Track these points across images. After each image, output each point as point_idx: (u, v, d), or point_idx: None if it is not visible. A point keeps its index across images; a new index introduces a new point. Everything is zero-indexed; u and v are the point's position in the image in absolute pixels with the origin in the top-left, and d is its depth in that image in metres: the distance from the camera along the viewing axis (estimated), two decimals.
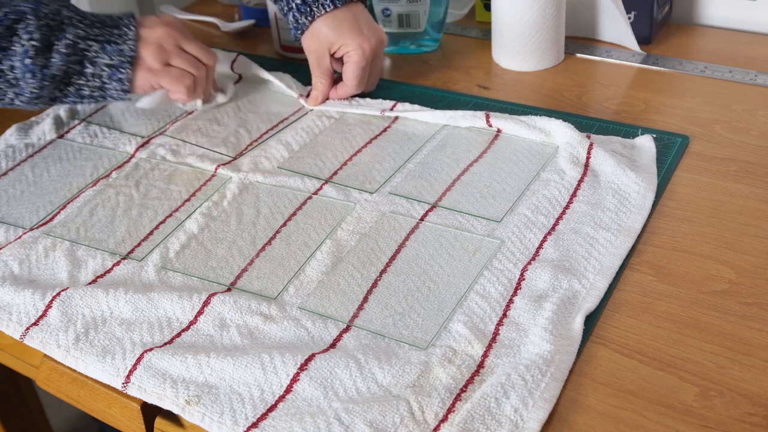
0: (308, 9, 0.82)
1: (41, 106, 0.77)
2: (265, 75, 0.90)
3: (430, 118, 0.81)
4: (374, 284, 0.62)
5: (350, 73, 0.84)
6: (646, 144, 0.75)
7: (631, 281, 0.61)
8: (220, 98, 0.86)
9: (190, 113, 0.86)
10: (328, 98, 0.86)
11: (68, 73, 0.73)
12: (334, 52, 0.84)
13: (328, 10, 0.81)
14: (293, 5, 0.83)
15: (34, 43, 0.70)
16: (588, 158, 0.73)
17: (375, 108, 0.84)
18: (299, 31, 0.84)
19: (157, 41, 0.76)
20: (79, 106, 0.88)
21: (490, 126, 0.79)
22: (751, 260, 0.62)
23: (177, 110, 0.87)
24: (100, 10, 1.37)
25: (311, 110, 0.86)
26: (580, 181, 0.71)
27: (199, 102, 0.84)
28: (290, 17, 0.84)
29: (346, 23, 0.82)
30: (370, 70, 0.86)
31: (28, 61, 0.70)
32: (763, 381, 0.52)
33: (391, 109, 0.84)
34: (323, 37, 0.83)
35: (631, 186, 0.69)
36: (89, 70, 0.74)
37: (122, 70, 0.74)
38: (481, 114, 0.80)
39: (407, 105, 0.85)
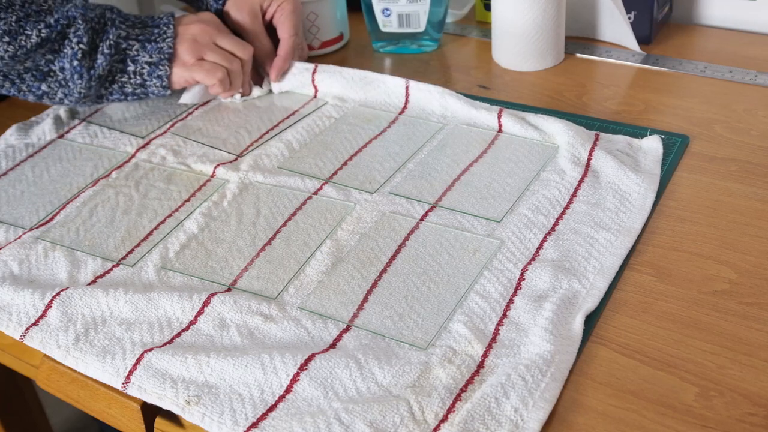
0: None
1: (88, 105, 0.80)
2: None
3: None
4: (374, 284, 0.62)
5: (286, 23, 0.87)
6: (653, 145, 0.74)
7: (631, 281, 0.61)
8: (257, 91, 0.88)
9: (189, 113, 0.87)
10: (284, 59, 0.88)
11: (112, 72, 0.77)
12: (266, 10, 0.87)
13: None
14: None
15: (82, 46, 0.74)
16: (589, 159, 0.73)
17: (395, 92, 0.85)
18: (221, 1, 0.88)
19: (192, 37, 0.79)
20: (79, 107, 0.88)
21: (500, 126, 0.79)
22: (751, 260, 0.62)
23: (177, 111, 0.87)
24: None
25: (312, 111, 0.86)
26: (581, 181, 0.71)
27: (237, 95, 0.87)
28: None
29: None
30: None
31: (75, 63, 0.74)
32: (763, 381, 0.52)
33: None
34: None
35: (631, 186, 0.69)
36: (131, 68, 0.77)
37: (161, 67, 0.77)
38: (495, 109, 0.80)
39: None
